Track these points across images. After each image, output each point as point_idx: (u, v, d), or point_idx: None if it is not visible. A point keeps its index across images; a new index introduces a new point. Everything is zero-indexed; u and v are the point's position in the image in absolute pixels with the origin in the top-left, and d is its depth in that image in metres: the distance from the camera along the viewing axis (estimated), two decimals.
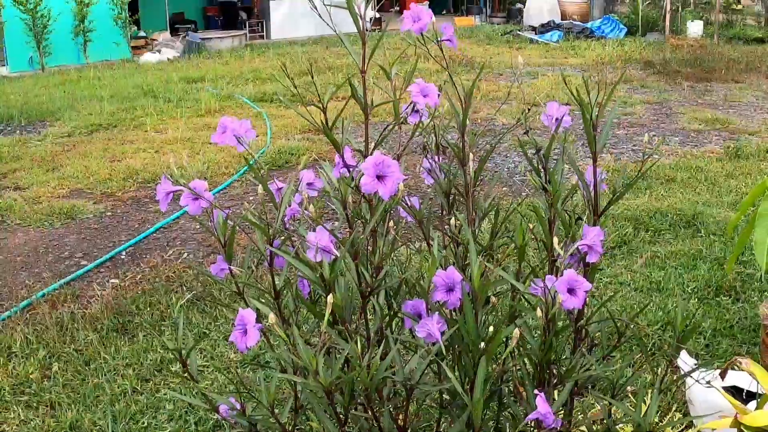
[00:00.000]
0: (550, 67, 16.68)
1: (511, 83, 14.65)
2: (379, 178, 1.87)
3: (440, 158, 2.35)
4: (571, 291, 1.90)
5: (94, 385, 4.70)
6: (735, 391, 3.67)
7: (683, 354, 4.00)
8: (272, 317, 1.73)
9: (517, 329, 1.77)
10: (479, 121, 11.32)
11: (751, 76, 15.17)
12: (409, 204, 2.20)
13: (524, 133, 2.28)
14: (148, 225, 7.59)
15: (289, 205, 2.11)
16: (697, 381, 2.43)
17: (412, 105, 2.29)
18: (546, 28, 22.43)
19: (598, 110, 2.09)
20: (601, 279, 5.82)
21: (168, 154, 9.97)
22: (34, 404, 4.56)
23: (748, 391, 3.64)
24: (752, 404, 3.45)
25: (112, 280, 6.36)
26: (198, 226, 7.30)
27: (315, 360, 1.71)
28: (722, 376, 3.64)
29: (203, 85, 15.50)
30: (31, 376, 4.82)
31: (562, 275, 1.90)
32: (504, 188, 8.26)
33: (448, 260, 2.08)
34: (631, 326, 2.33)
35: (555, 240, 2.00)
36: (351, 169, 2.16)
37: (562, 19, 23.96)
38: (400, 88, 2.25)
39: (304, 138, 10.61)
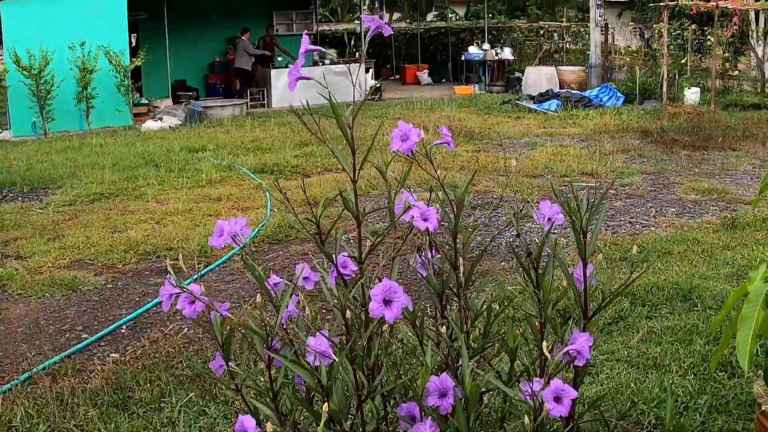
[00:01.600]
0: (549, 137, 16.82)
1: (512, 154, 14.76)
2: (386, 302, 1.95)
3: (433, 254, 2.41)
4: (557, 399, 1.96)
5: None
6: None
7: None
8: (269, 426, 1.79)
9: None
10: (478, 193, 11.41)
11: (747, 144, 15.28)
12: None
13: (516, 236, 2.35)
14: (148, 298, 7.63)
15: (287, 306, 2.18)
16: None
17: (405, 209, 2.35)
18: (544, 97, 22.61)
19: (589, 216, 2.16)
20: (597, 356, 5.85)
21: (169, 225, 10.04)
22: None
23: None
24: None
25: (113, 355, 6.40)
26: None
27: None
28: None
29: (205, 154, 15.61)
30: None
31: (549, 381, 1.96)
32: (502, 263, 8.31)
33: (443, 359, 2.14)
34: (622, 424, 2.38)
35: (545, 345, 2.06)
36: (345, 278, 2.23)
37: (560, 88, 24.18)
38: (396, 188, 2.31)
39: (304, 211, 10.65)
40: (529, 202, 10.66)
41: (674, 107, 20.74)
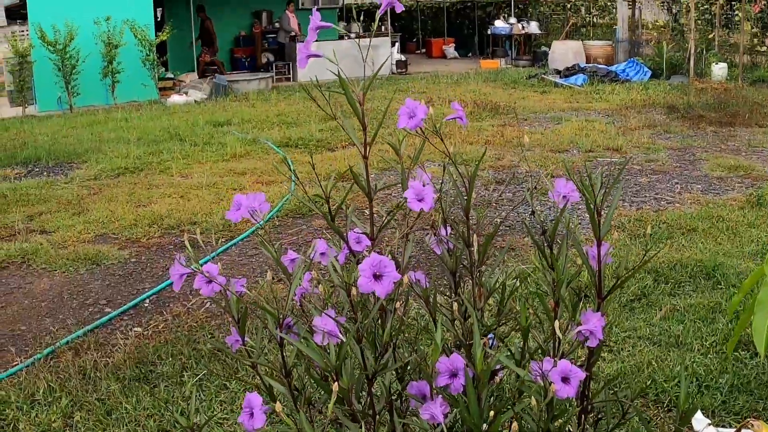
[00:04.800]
0: (575, 111, 16.74)
1: (536, 129, 14.70)
2: (377, 277, 1.93)
3: (448, 231, 2.40)
4: (565, 380, 1.95)
5: None
6: None
7: (698, 414, 4.02)
8: (278, 406, 1.79)
9: (515, 424, 1.82)
10: (502, 168, 11.38)
11: None
12: (415, 280, 2.26)
13: (531, 213, 2.33)
14: None
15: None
16: None
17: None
18: (570, 71, 22.47)
19: (604, 195, 2.14)
20: (619, 333, 5.83)
21: (193, 200, 10.07)
22: None
23: None
24: None
25: (135, 329, 6.44)
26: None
27: None
28: None
29: (229, 128, 15.64)
30: (53, 425, 4.89)
31: (561, 358, 1.95)
32: (526, 238, 8.29)
33: (456, 336, 2.14)
34: (635, 405, 2.36)
35: (557, 324, 2.05)
36: (356, 254, 2.23)
37: (587, 63, 24.02)
38: (409, 166, 2.30)
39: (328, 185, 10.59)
40: (553, 176, 10.62)
41: (701, 83, 20.57)
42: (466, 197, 2.24)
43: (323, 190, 2.25)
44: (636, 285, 6.70)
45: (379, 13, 2.38)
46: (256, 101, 19.98)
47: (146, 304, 6.98)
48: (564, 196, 2.33)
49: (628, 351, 5.59)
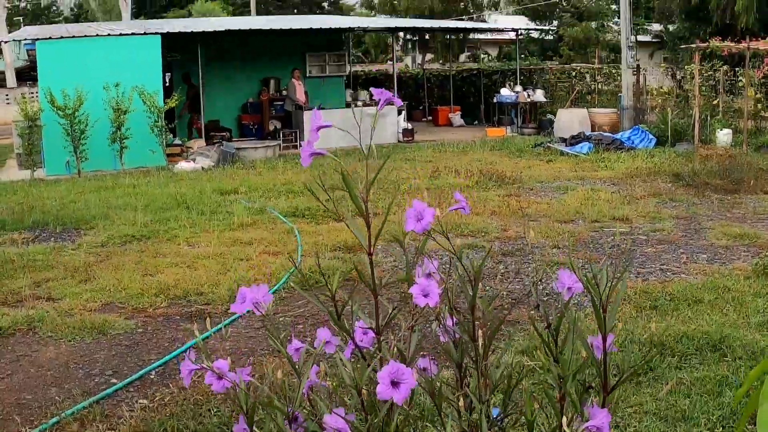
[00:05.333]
0: (580, 180, 16.81)
1: (544, 199, 14.75)
2: (394, 384, 1.96)
3: (454, 321, 2.42)
4: None
5: None
6: None
7: None
8: None
9: None
10: (508, 239, 11.39)
11: None
12: (422, 367, 2.28)
13: (535, 307, 2.35)
14: (177, 344, 7.67)
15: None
16: None
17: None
18: (576, 139, 22.58)
19: (610, 290, 2.16)
20: (625, 409, 5.82)
21: (200, 270, 10.09)
22: None
23: None
24: None
25: (141, 401, 6.44)
26: (228, 346, 7.38)
27: None
28: None
29: (236, 196, 15.71)
30: None
31: None
32: (531, 311, 8.28)
33: (462, 429, 2.15)
34: None
35: (564, 420, 2.07)
36: (362, 350, 2.25)
37: (592, 130, 24.17)
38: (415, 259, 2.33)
39: (335, 257, 10.57)
40: (559, 248, 10.65)
41: (706, 149, 20.66)
42: (471, 292, 2.27)
43: (329, 289, 2.28)
44: (642, 358, 6.69)
45: (378, 110, 2.42)
46: (263, 169, 20.07)
47: (152, 376, 6.98)
48: (569, 288, 2.36)
49: (635, 427, 5.57)
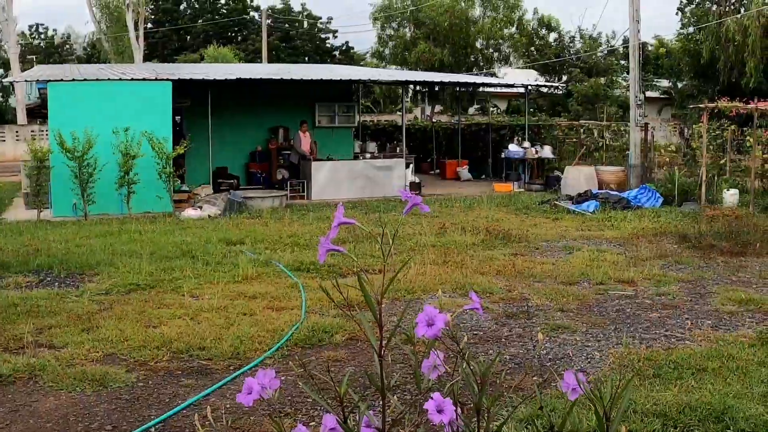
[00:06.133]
0: (586, 240, 16.79)
1: (549, 259, 14.75)
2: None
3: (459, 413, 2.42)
4: None
5: None
6: None
7: None
8: None
9: None
10: (512, 300, 11.37)
11: None
12: None
13: (539, 408, 2.36)
14: (178, 400, 7.63)
15: None
16: None
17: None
18: (583, 197, 22.61)
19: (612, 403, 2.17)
20: None
21: (203, 323, 10.07)
22: None
23: None
24: None
25: None
26: (229, 405, 7.36)
27: None
28: None
29: (242, 247, 15.72)
30: None
31: None
32: (534, 377, 8.27)
33: None
34: None
35: None
36: None
37: (599, 188, 24.24)
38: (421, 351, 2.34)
39: (339, 314, 10.48)
40: (563, 311, 10.63)
41: (712, 209, 20.68)
42: (476, 395, 2.27)
43: (341, 409, 2.29)
44: (644, 429, 6.66)
45: (403, 214, 2.45)
46: (269, 219, 20.09)
47: None
48: (573, 389, 2.36)
49: None
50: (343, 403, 2.24)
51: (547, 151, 29.94)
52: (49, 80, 22.41)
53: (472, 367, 2.25)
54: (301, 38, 70.57)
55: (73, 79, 22.51)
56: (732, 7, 39.79)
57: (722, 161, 24.90)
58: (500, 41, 48.11)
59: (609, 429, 2.08)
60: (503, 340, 9.52)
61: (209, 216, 20.73)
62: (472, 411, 2.29)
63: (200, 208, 21.45)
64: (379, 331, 2.29)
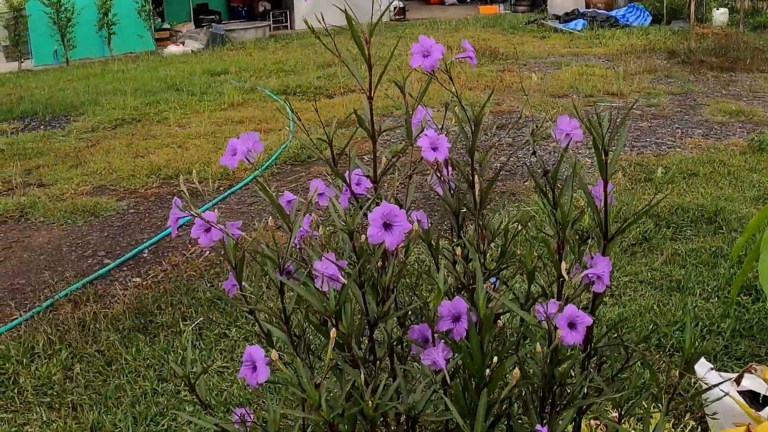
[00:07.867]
0: (574, 57, 16.59)
1: (537, 73, 14.62)
2: (387, 226, 1.87)
3: (450, 172, 2.33)
4: (571, 325, 1.90)
5: (116, 386, 4.75)
6: (752, 396, 3.65)
7: (701, 359, 3.99)
8: (274, 354, 1.75)
9: (517, 370, 1.78)
10: (502, 113, 11.30)
11: None
12: (416, 220, 2.19)
13: (532, 153, 2.28)
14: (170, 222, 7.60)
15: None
16: (712, 387, 2.41)
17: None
18: (570, 17, 22.29)
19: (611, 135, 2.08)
20: (620, 278, 5.81)
21: (191, 149, 10.00)
22: (57, 405, 4.61)
23: (764, 396, 3.62)
24: (767, 410, 3.44)
25: (135, 279, 6.42)
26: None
27: (317, 394, 1.73)
28: (737, 382, 3.64)
29: (227, 77, 15.54)
30: (53, 377, 4.87)
31: (566, 305, 1.90)
32: (525, 183, 8.24)
33: (458, 279, 2.10)
34: (639, 349, 2.33)
35: (563, 266, 2.00)
36: (358, 198, 2.18)
37: (586, 8, 23.82)
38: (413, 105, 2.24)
39: (328, 131, 10.42)
40: (552, 121, 10.53)
41: (702, 28, 20.38)
42: (470, 138, 2.19)
43: (326, 135, 2.19)
44: (637, 229, 6.67)
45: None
46: (253, 50, 19.84)
47: (145, 255, 6.95)
48: (567, 134, 2.27)
49: (630, 296, 5.56)
50: (332, 144, 2.16)
51: None
52: None
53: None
54: None
55: None
56: None
57: None
58: None
59: (607, 162, 2.01)
60: (494, 149, 9.48)
61: (192, 51, 20.43)
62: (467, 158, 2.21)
63: (182, 43, 21.11)
64: (368, 70, 2.19)
